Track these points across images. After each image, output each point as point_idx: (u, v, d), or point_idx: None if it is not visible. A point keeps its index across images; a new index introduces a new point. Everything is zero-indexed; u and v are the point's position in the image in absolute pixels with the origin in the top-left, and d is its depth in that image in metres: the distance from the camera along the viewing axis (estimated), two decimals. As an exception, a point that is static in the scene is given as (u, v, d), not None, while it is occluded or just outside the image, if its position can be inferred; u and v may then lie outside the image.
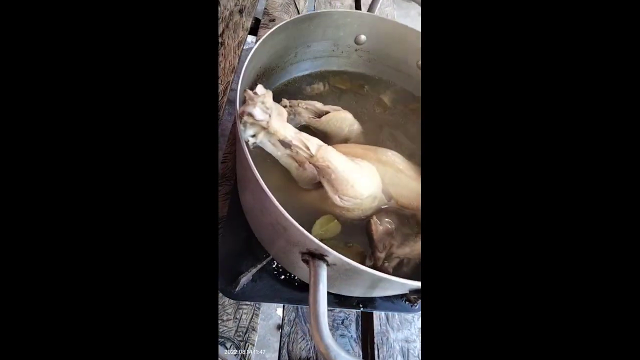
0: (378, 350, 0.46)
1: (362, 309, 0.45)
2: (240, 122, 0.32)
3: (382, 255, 0.37)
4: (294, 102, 0.42)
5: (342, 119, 0.42)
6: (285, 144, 0.35)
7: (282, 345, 0.44)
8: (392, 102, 0.50)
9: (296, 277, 0.44)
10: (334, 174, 0.35)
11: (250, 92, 0.32)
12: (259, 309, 0.45)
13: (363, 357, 0.46)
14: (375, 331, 0.47)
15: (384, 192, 0.39)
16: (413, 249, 0.38)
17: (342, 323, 0.48)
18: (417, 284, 0.26)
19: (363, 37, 0.47)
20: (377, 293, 0.42)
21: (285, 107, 0.42)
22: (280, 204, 0.25)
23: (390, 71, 0.51)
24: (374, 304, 0.46)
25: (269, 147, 0.38)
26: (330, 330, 0.46)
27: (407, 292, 0.33)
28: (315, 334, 0.21)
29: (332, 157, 0.34)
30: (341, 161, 0.35)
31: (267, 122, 0.32)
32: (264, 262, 0.43)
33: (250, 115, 0.31)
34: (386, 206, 0.40)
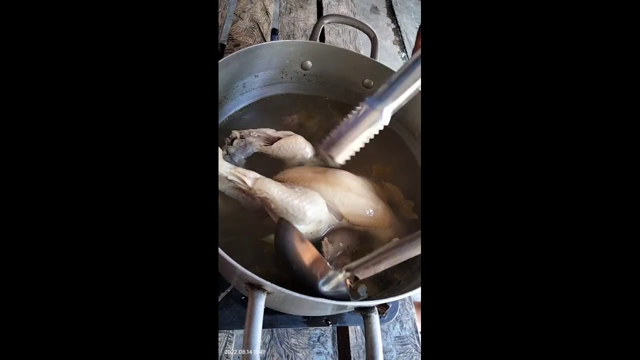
0: (355, 365, 0.47)
1: (331, 325, 0.46)
2: None
3: (334, 272, 0.36)
4: (245, 131, 0.43)
5: (292, 144, 0.43)
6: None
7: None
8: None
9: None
10: (273, 204, 0.36)
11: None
12: (232, 335, 0.45)
13: (342, 373, 0.46)
14: (351, 345, 0.48)
15: (334, 212, 0.40)
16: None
17: (318, 340, 0.48)
18: (356, 304, 0.28)
19: (309, 63, 0.50)
20: (335, 311, 0.43)
21: (235, 138, 0.43)
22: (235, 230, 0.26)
23: (340, 91, 0.53)
24: (344, 319, 0.46)
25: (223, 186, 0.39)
26: (307, 347, 0.47)
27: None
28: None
29: (269, 189, 0.36)
30: (279, 191, 0.36)
31: None
32: (229, 290, 0.43)
33: None
34: (339, 225, 0.41)
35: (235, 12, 0.88)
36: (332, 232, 0.41)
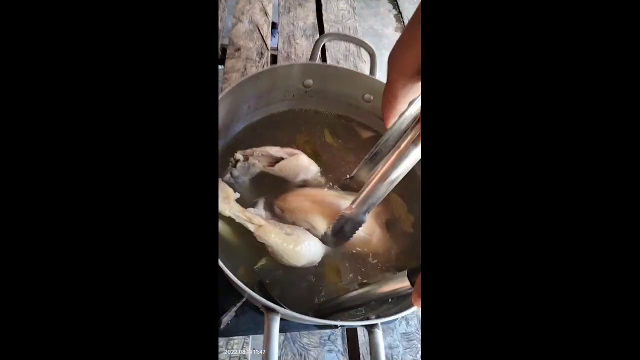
0: (364, 360, 0.50)
1: (340, 328, 0.49)
2: None
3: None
4: (248, 151, 0.45)
5: (295, 165, 0.45)
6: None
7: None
8: (347, 133, 0.54)
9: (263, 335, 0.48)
10: (271, 248, 0.42)
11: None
12: (249, 336, 0.49)
13: (351, 369, 0.50)
14: (360, 342, 0.51)
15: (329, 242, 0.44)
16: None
17: (329, 339, 0.52)
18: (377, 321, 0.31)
19: (310, 81, 0.51)
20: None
21: (238, 160, 0.45)
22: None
23: (341, 105, 0.55)
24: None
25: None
26: (318, 346, 0.50)
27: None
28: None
29: (268, 237, 0.41)
30: (276, 239, 0.42)
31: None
32: (245, 299, 0.46)
33: None
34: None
35: (234, 15, 0.88)
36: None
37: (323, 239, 0.44)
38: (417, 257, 0.47)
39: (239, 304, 0.46)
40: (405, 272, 0.32)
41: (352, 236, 0.43)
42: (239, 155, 0.45)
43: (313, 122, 0.55)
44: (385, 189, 0.35)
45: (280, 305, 0.28)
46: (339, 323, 0.31)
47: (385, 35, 1.80)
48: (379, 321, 0.31)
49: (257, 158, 0.45)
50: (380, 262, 0.47)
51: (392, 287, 0.33)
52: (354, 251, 0.46)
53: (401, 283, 0.32)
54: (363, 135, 0.54)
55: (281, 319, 0.30)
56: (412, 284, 0.31)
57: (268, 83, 0.48)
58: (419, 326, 0.54)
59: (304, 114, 0.55)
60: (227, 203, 0.42)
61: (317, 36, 0.86)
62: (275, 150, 0.46)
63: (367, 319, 0.35)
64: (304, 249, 0.42)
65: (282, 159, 0.45)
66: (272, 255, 0.42)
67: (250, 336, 0.49)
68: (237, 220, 0.42)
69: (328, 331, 0.51)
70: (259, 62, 0.79)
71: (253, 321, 0.47)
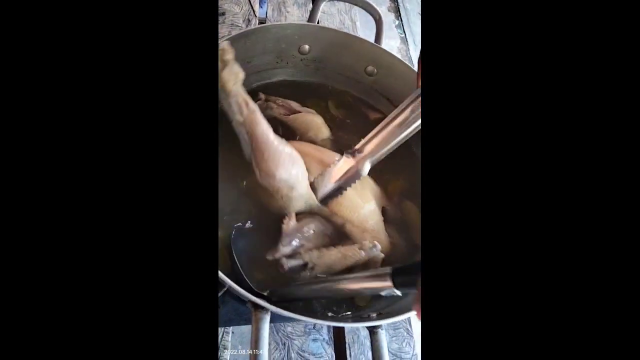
0: (350, 349, 0.49)
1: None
2: None
3: (285, 249, 0.38)
4: (272, 97, 0.44)
5: (309, 121, 0.43)
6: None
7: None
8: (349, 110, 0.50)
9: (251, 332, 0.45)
10: (254, 142, 0.36)
11: None
12: (229, 328, 0.46)
13: (336, 357, 0.48)
14: (346, 330, 0.50)
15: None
16: (322, 257, 0.38)
17: (314, 327, 0.50)
18: (363, 324, 0.29)
19: (307, 47, 0.46)
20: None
21: (259, 100, 0.43)
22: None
23: (340, 78, 0.50)
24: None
25: (227, 107, 0.38)
26: (302, 335, 0.48)
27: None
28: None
29: (256, 126, 0.35)
30: (263, 133, 0.36)
31: (221, 69, 0.34)
32: (226, 288, 0.43)
33: None
34: (317, 210, 0.41)
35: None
36: (305, 216, 0.41)
37: (312, 185, 0.40)
38: (399, 258, 0.44)
39: (220, 292, 0.42)
40: (389, 269, 0.27)
41: (343, 191, 0.40)
42: (261, 95, 0.44)
43: (309, 96, 0.50)
44: (396, 136, 0.34)
45: (271, 303, 0.24)
46: (340, 324, 0.27)
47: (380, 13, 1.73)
48: (383, 322, 0.28)
49: (276, 104, 0.44)
50: (355, 238, 0.42)
51: (372, 285, 0.29)
52: (337, 220, 0.42)
53: (383, 282, 0.28)
54: (372, 115, 0.50)
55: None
56: (395, 285, 0.27)
57: (259, 45, 0.43)
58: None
59: (300, 86, 0.50)
60: (232, 75, 0.35)
61: (310, 5, 0.80)
62: (296, 105, 0.45)
63: (368, 317, 0.32)
64: (289, 161, 0.37)
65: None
66: (253, 155, 0.37)
67: (231, 328, 0.46)
68: (233, 98, 0.36)
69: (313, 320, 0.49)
70: (245, 29, 0.72)
71: (235, 312, 0.43)
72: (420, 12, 1.87)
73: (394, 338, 0.51)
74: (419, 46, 1.73)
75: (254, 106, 0.36)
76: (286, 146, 0.38)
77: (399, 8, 1.81)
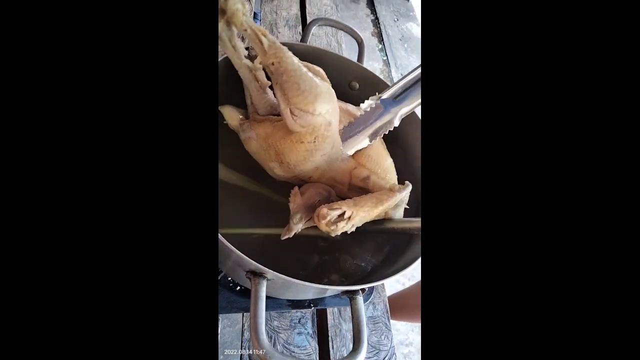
0: (332, 342, 0.51)
1: (313, 307, 0.50)
2: None
3: (297, 226, 0.36)
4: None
5: (314, 71, 0.39)
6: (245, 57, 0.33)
7: (242, 347, 0.48)
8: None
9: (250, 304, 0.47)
10: (285, 75, 0.31)
11: None
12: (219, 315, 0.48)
13: (319, 350, 0.51)
14: (329, 325, 0.53)
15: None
16: (358, 203, 0.36)
17: (299, 322, 0.52)
18: (352, 288, 0.31)
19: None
20: (321, 295, 0.47)
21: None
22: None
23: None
24: (324, 302, 0.51)
25: (230, 51, 0.35)
26: (288, 329, 0.51)
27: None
28: (254, 341, 0.25)
29: (285, 57, 0.32)
30: (295, 63, 0.32)
31: (225, 1, 0.30)
32: (219, 277, 0.45)
33: None
34: (341, 162, 0.39)
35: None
36: (307, 187, 0.39)
37: (341, 133, 0.37)
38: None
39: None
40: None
41: (375, 138, 0.37)
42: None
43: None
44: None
45: (269, 268, 0.28)
46: (328, 287, 0.31)
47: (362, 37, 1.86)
48: (359, 287, 0.32)
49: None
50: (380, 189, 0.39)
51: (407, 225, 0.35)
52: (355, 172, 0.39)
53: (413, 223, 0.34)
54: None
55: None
56: None
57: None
58: (384, 310, 0.57)
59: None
60: (243, 7, 0.31)
61: (300, 27, 0.87)
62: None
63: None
64: (327, 91, 0.33)
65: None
66: (282, 92, 0.32)
67: (221, 316, 0.48)
68: (248, 31, 0.31)
69: (299, 314, 0.52)
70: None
71: (227, 300, 0.46)
72: (400, 39, 2.01)
73: (373, 332, 0.54)
74: (400, 68, 1.85)
75: (273, 37, 0.33)
76: (317, 79, 0.34)
77: (381, 34, 1.95)
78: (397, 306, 0.78)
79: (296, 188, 0.38)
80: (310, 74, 0.33)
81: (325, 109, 0.33)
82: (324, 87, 0.34)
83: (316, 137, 0.34)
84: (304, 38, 0.51)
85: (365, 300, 0.54)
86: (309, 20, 0.89)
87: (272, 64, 0.32)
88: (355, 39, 0.53)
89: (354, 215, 0.33)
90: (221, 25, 0.32)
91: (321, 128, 0.34)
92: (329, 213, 0.32)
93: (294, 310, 0.51)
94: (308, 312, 0.52)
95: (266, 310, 0.48)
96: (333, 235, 0.34)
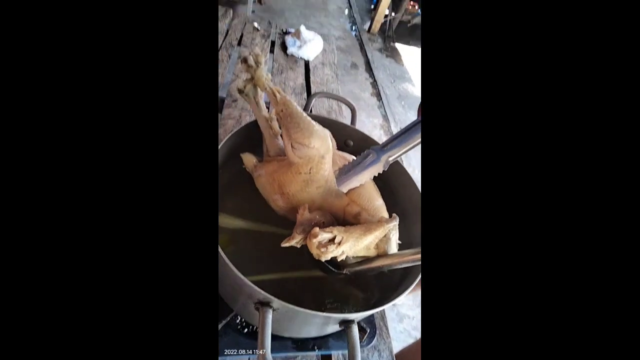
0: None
1: (317, 351, 0.52)
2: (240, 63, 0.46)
3: (299, 237, 0.39)
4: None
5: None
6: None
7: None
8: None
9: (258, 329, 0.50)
10: (290, 117, 0.41)
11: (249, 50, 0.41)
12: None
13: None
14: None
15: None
16: (348, 230, 0.39)
17: (302, 360, 0.53)
18: (353, 316, 0.34)
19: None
20: (323, 330, 0.48)
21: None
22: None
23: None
24: (328, 345, 0.52)
25: (253, 105, 0.47)
26: (293, 364, 0.51)
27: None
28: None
29: (291, 104, 0.42)
30: (297, 109, 0.42)
31: (255, 70, 0.43)
32: (228, 318, 0.48)
33: (245, 60, 0.44)
34: (335, 196, 0.44)
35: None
36: (313, 209, 0.43)
37: (336, 173, 0.44)
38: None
39: (224, 322, 0.48)
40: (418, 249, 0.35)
41: (365, 179, 0.42)
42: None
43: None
44: (414, 141, 0.39)
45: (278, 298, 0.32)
46: (331, 315, 0.34)
47: (362, 98, 2.05)
48: (354, 316, 0.35)
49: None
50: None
51: (404, 259, 0.36)
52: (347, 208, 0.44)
53: (414, 256, 0.35)
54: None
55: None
56: None
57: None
58: (390, 357, 0.56)
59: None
60: (267, 76, 0.45)
61: (306, 94, 1.00)
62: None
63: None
64: (321, 130, 0.41)
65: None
66: (286, 131, 0.41)
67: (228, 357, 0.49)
68: (267, 89, 0.43)
69: (304, 360, 0.53)
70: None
71: (235, 342, 0.48)
72: (397, 97, 2.20)
73: None
74: (398, 122, 2.00)
75: (284, 93, 0.44)
76: (316, 123, 0.43)
77: (380, 94, 2.15)
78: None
79: (306, 204, 0.43)
80: (309, 118, 0.43)
81: (318, 143, 0.42)
82: (319, 127, 0.43)
83: (311, 167, 0.42)
84: (307, 107, 0.62)
85: (368, 344, 0.55)
86: (312, 89, 1.03)
87: (282, 110, 0.43)
88: (348, 106, 0.63)
89: (343, 241, 0.37)
90: (249, 87, 0.46)
91: (315, 159, 0.42)
92: (321, 234, 0.37)
93: (299, 354, 0.52)
94: (312, 357, 0.53)
95: (271, 353, 0.49)
96: (323, 259, 0.37)
